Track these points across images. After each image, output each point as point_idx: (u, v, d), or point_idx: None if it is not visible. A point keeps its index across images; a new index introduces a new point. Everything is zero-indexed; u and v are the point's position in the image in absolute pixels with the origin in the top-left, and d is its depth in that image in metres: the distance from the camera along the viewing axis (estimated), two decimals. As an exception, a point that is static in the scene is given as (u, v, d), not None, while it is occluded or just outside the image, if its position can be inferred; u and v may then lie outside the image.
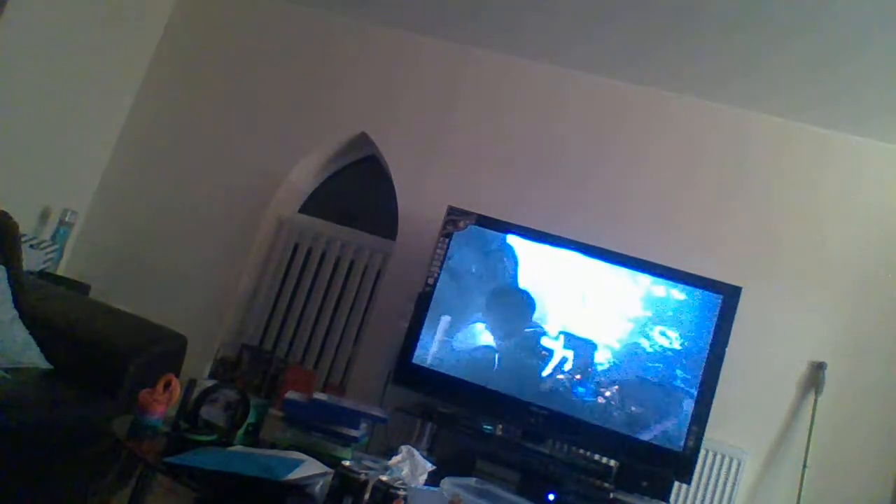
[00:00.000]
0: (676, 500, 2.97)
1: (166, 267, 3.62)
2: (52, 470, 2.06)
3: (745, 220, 3.20)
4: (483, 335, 2.94)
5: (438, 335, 2.96)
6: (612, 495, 2.63)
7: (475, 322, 2.95)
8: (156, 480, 1.85)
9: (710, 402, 2.72)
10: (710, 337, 2.76)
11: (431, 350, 2.96)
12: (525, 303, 2.94)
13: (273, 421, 2.11)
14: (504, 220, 3.04)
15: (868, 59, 2.63)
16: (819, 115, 3.13)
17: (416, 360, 2.96)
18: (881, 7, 2.34)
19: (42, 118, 3.33)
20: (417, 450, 1.93)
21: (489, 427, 2.83)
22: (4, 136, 3.16)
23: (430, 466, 1.91)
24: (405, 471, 1.83)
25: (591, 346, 2.86)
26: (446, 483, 1.92)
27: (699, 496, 2.98)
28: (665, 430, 2.73)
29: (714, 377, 2.73)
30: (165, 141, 3.80)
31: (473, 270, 2.99)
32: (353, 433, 2.07)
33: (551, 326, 2.90)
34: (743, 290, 2.79)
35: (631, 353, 2.82)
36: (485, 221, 3.03)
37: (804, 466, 2.87)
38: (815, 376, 3.00)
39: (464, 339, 2.94)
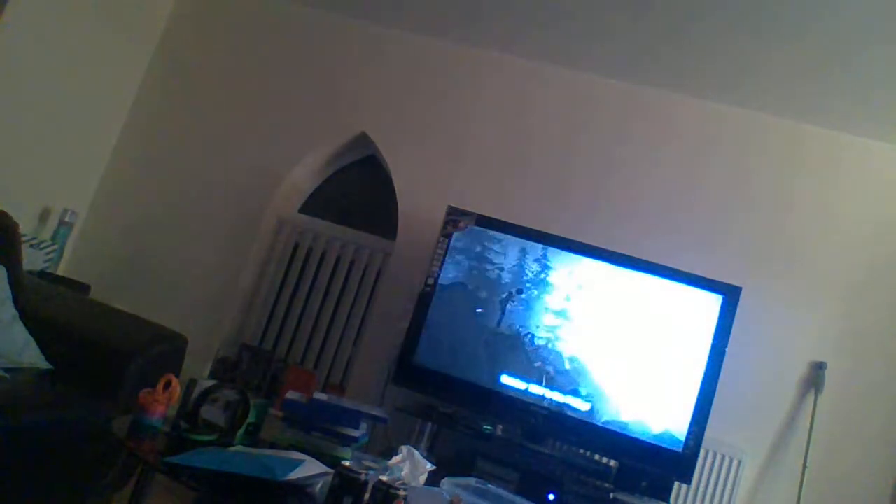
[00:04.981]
0: (676, 500, 2.97)
1: (166, 267, 3.62)
2: (52, 470, 2.06)
3: (745, 220, 3.20)
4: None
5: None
6: (612, 495, 2.63)
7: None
8: (156, 480, 1.85)
9: (710, 403, 2.72)
10: (711, 336, 2.77)
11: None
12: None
13: (273, 421, 2.11)
14: (504, 220, 3.04)
15: (872, 61, 2.63)
16: (821, 117, 3.14)
17: (416, 360, 2.96)
18: (888, 6, 2.33)
19: (42, 118, 3.34)
20: (417, 450, 1.93)
21: (489, 427, 2.83)
22: (4, 136, 3.16)
23: (430, 466, 1.90)
24: (405, 471, 1.83)
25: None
26: (446, 483, 1.92)
27: (699, 496, 2.98)
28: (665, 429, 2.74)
29: (714, 377, 2.73)
30: (165, 141, 3.80)
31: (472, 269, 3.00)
32: (353, 433, 2.06)
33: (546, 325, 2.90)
34: (743, 290, 2.79)
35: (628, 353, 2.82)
36: (485, 221, 3.03)
37: (804, 466, 2.87)
38: (815, 376, 3.00)
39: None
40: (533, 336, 2.90)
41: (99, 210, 3.76)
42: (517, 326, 2.92)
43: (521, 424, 2.86)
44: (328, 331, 3.59)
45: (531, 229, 3.01)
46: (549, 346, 2.88)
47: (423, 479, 1.88)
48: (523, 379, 2.87)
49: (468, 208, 3.07)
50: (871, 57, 2.61)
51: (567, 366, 2.85)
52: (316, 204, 3.87)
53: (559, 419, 2.81)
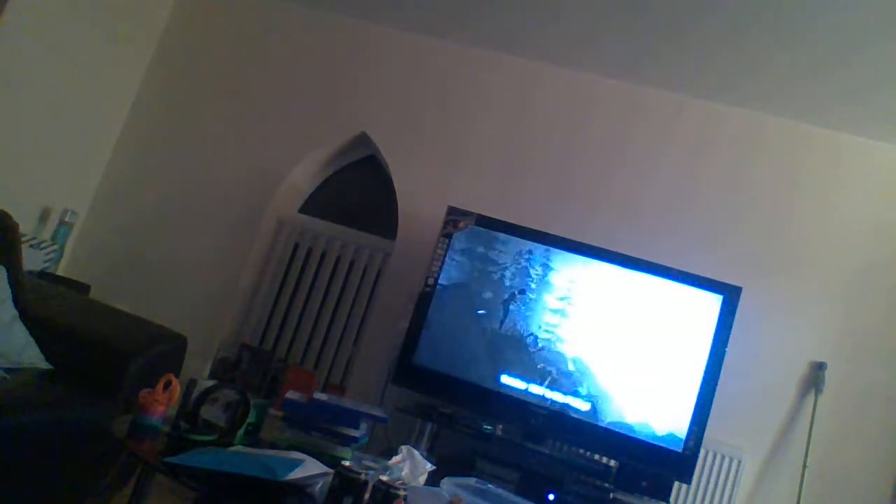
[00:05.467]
0: (676, 500, 2.97)
1: (166, 267, 3.62)
2: (52, 470, 2.06)
3: (745, 220, 3.20)
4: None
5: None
6: (612, 495, 2.63)
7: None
8: (156, 480, 1.85)
9: (711, 403, 2.72)
10: (711, 337, 2.77)
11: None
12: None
13: (273, 421, 2.11)
14: (504, 220, 3.04)
15: (872, 61, 2.63)
16: (821, 117, 3.13)
17: (416, 360, 2.96)
18: (889, 6, 2.33)
19: (42, 118, 3.34)
20: (417, 450, 1.93)
21: (489, 427, 2.83)
22: (4, 136, 3.16)
23: (430, 466, 1.90)
24: (405, 471, 1.83)
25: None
26: (446, 483, 1.92)
27: (699, 496, 2.98)
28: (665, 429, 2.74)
29: (714, 377, 2.73)
30: (165, 141, 3.80)
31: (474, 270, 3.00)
32: (353, 433, 2.06)
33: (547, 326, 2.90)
34: (743, 290, 2.79)
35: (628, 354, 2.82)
36: (485, 221, 3.03)
37: (804, 466, 2.87)
38: (815, 376, 3.00)
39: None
40: (536, 337, 2.89)
41: (99, 210, 3.76)
42: (520, 328, 2.91)
43: (521, 424, 2.86)
44: (328, 331, 3.59)
45: (531, 229, 3.01)
46: (553, 347, 2.88)
47: (423, 479, 1.88)
48: (523, 379, 2.87)
49: (468, 208, 3.07)
50: (872, 57, 2.60)
51: (571, 367, 2.85)
52: (316, 204, 3.87)
53: (559, 419, 2.81)
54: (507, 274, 2.97)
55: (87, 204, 3.76)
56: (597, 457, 2.97)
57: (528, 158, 3.44)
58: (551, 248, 2.96)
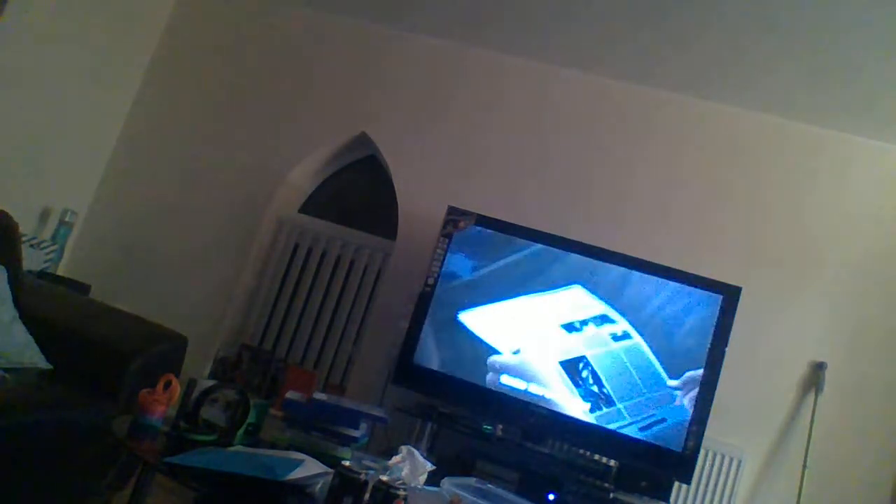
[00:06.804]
0: (676, 500, 2.97)
1: (166, 267, 3.62)
2: (52, 470, 2.06)
3: (745, 219, 3.20)
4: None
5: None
6: (612, 495, 2.63)
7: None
8: (156, 480, 1.85)
9: (710, 402, 2.72)
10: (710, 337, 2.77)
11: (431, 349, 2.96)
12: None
13: (273, 421, 2.11)
14: (503, 220, 3.04)
15: (882, 63, 2.62)
16: (828, 119, 3.13)
17: (416, 360, 2.96)
18: (882, 7, 2.33)
19: (42, 118, 3.34)
20: (417, 450, 1.93)
21: (489, 427, 2.83)
22: (4, 136, 3.16)
23: (430, 466, 1.91)
24: (405, 471, 1.83)
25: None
26: (446, 483, 1.93)
27: (699, 496, 2.98)
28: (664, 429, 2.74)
29: (714, 377, 2.73)
30: (165, 141, 3.80)
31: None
32: (353, 433, 2.07)
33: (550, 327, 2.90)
34: (743, 290, 2.79)
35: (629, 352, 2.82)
36: (485, 221, 3.03)
37: (804, 466, 2.87)
38: (815, 376, 3.00)
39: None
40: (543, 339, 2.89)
41: (99, 210, 3.76)
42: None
43: (520, 424, 2.86)
44: (328, 331, 3.59)
45: (530, 229, 3.01)
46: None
47: (423, 479, 1.88)
48: (524, 379, 2.87)
49: (469, 208, 3.07)
50: (882, 59, 2.60)
51: (580, 369, 2.84)
52: (316, 204, 3.87)
53: (559, 419, 2.81)
54: (511, 274, 2.96)
55: (87, 204, 3.76)
56: (597, 457, 2.97)
57: (528, 159, 3.43)
58: (550, 248, 2.95)
